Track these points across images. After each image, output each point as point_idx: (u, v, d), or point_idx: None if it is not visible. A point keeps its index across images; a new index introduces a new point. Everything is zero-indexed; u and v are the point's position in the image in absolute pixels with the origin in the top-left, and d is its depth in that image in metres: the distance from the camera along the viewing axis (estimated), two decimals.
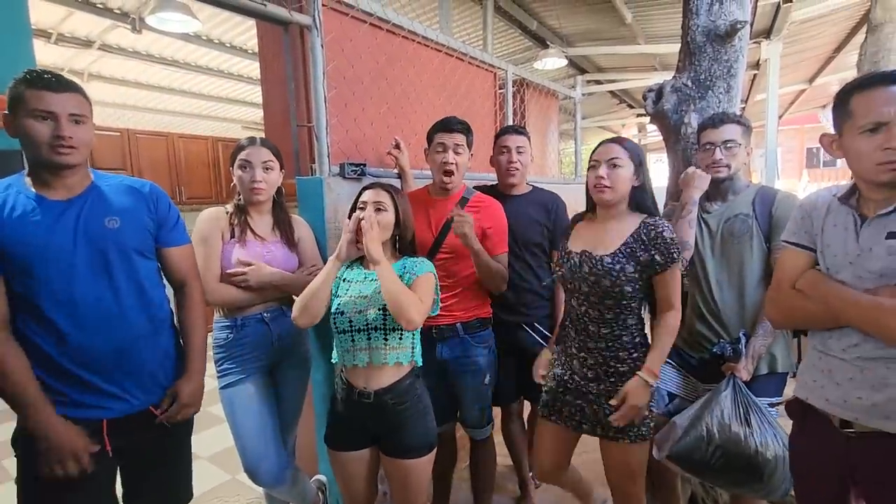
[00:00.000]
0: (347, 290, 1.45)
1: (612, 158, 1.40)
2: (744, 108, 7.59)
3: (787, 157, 14.94)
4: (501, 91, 2.98)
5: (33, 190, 1.14)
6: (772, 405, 1.55)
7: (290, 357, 1.71)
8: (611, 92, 7.54)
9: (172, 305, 1.40)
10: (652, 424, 1.47)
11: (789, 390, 1.31)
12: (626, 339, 1.43)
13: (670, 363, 1.76)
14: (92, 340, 1.16)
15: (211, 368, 1.49)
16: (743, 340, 1.53)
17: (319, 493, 1.92)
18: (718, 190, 1.68)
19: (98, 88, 5.47)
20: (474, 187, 2.03)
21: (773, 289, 1.24)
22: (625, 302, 1.41)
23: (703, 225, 1.68)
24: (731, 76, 2.01)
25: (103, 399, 1.19)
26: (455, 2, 4.12)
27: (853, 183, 1.12)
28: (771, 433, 1.42)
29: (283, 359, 1.70)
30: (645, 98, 2.17)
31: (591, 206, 1.52)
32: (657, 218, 1.43)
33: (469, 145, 1.77)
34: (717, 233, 1.64)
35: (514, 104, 3.01)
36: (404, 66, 2.25)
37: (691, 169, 1.65)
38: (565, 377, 1.51)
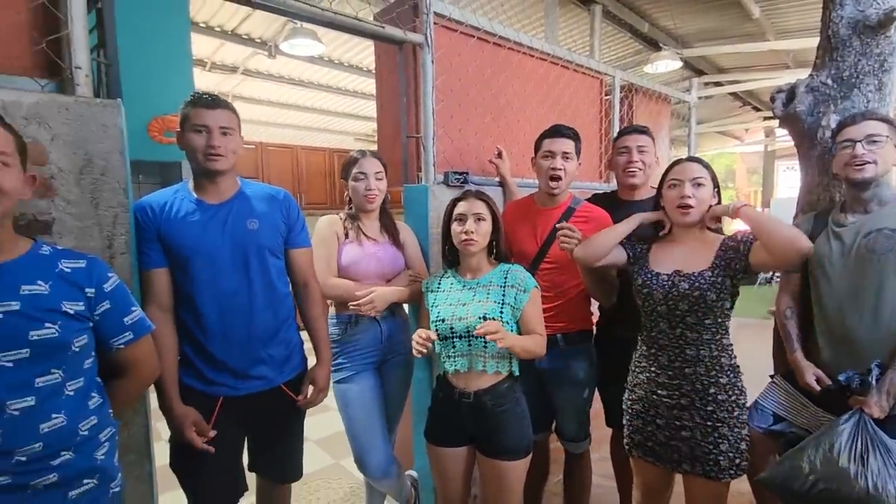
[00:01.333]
0: (446, 298, 1.50)
1: (696, 178, 1.39)
2: None
3: None
4: (608, 97, 2.90)
5: (194, 195, 1.36)
6: None
7: (395, 356, 1.81)
8: (732, 94, 6.93)
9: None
10: (747, 460, 1.37)
11: None
12: (724, 362, 1.37)
13: (782, 386, 1.58)
14: (233, 327, 1.34)
15: None
16: (875, 372, 1.32)
17: (412, 489, 2.00)
18: (859, 199, 1.46)
19: (238, 108, 6.28)
20: (593, 194, 2.00)
21: None
22: (720, 320, 1.38)
23: (833, 238, 1.48)
24: (884, 71, 1.76)
25: (234, 380, 1.37)
26: (562, 10, 4.09)
27: None
28: None
29: (389, 357, 1.80)
30: (773, 100, 1.97)
31: (659, 225, 1.51)
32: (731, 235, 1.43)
33: (577, 152, 1.74)
34: (852, 248, 1.43)
35: (621, 110, 2.92)
36: (509, 76, 2.30)
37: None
38: (651, 412, 1.43)
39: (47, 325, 0.92)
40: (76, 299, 0.97)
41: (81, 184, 1.13)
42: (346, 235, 1.76)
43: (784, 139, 8.68)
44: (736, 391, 1.36)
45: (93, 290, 1.00)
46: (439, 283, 1.55)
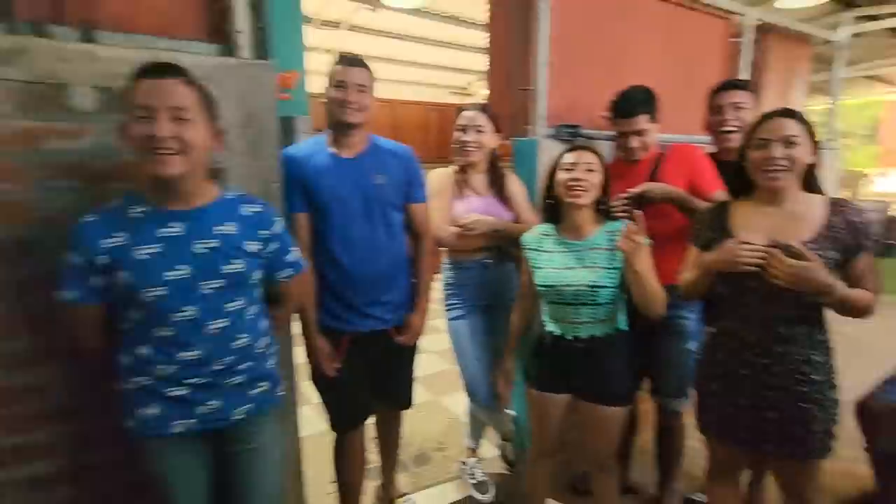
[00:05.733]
0: (549, 261, 1.46)
1: (789, 136, 1.20)
2: None
3: None
4: (737, 40, 2.61)
5: (331, 149, 1.48)
6: None
7: (504, 301, 1.85)
8: (891, 29, 5.10)
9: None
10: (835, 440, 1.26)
11: None
12: (819, 338, 1.25)
13: None
14: (359, 270, 1.49)
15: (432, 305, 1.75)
16: None
17: (512, 425, 2.10)
18: None
19: None
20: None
21: None
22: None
23: None
24: None
25: (357, 318, 1.53)
26: None
27: None
28: None
29: (496, 302, 1.87)
30: None
31: (740, 187, 1.33)
32: (840, 198, 1.26)
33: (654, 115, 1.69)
34: None
35: (751, 55, 2.62)
36: (628, 23, 2.16)
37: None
38: (732, 392, 1.32)
39: (236, 260, 1.06)
40: (255, 239, 1.10)
41: (245, 137, 1.29)
42: (457, 188, 1.81)
43: None
44: (830, 370, 1.26)
45: (266, 232, 1.13)
46: (540, 243, 1.51)
